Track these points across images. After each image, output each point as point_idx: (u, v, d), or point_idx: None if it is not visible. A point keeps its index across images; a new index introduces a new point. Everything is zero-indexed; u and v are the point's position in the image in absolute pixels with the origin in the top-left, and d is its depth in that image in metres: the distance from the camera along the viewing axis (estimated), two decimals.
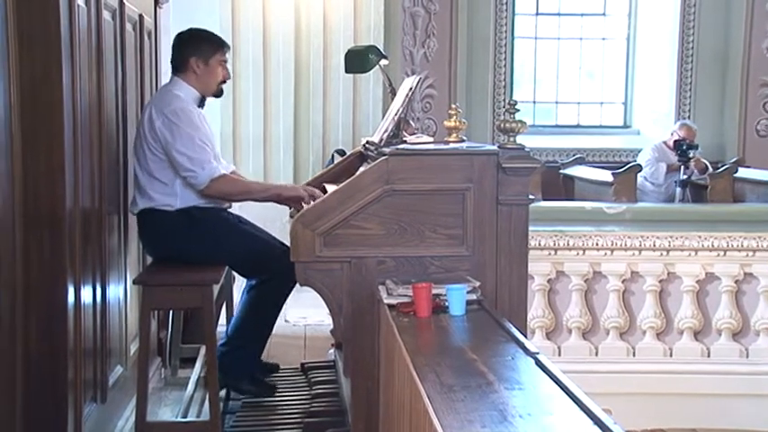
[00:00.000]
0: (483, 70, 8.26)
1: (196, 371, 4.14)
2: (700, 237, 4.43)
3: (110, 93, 3.52)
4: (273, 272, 3.60)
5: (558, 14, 9.03)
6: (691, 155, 7.17)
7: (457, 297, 2.66)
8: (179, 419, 3.71)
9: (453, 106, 3.38)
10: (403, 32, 7.38)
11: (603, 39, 9.05)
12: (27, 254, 2.79)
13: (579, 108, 9.13)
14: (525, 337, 2.50)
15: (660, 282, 4.50)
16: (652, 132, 8.55)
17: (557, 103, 9.13)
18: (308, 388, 4.03)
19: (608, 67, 9.08)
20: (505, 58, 8.41)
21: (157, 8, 4.59)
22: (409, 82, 3.69)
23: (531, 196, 3.14)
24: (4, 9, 2.60)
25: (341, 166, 4.23)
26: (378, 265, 3.04)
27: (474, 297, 2.80)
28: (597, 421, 1.71)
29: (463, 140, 3.34)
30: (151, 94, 4.35)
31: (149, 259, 3.97)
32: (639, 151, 7.96)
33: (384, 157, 3.07)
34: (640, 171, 7.19)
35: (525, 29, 8.85)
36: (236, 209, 4.04)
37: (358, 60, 4.34)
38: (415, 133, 3.84)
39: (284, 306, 3.88)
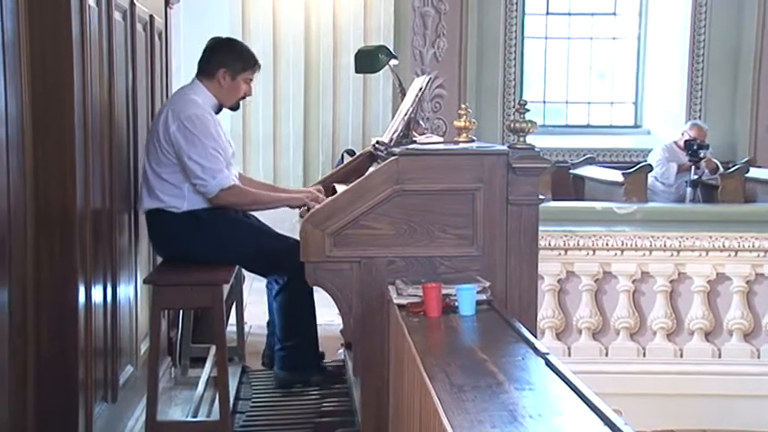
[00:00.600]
0: (493, 70, 8.25)
1: (206, 370, 4.14)
2: (711, 237, 4.42)
3: (120, 93, 3.52)
4: (289, 269, 3.60)
5: (569, 14, 9.01)
6: (701, 155, 7.15)
7: (467, 297, 2.66)
8: (189, 419, 3.72)
9: (463, 106, 3.38)
10: (413, 32, 7.37)
11: (614, 38, 9.02)
12: (38, 253, 2.80)
13: (589, 108, 9.11)
14: (535, 337, 2.49)
15: (671, 282, 4.48)
16: (663, 132, 8.53)
17: (567, 102, 9.11)
18: (317, 387, 4.03)
19: (618, 67, 9.05)
20: (515, 58, 8.40)
21: (168, 9, 4.59)
22: (419, 82, 3.69)
23: (541, 196, 3.14)
24: (16, 9, 2.61)
25: (351, 166, 4.23)
26: (388, 265, 3.04)
27: (484, 297, 2.79)
28: (608, 422, 1.71)
29: (473, 140, 3.34)
30: (161, 95, 4.36)
31: (159, 259, 3.98)
32: (650, 151, 7.93)
33: (394, 158, 3.07)
34: (651, 171, 7.17)
35: (535, 29, 8.84)
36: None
37: (368, 60, 4.34)
38: (424, 133, 3.84)
39: None
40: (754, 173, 7.35)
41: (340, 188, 3.56)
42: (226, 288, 3.56)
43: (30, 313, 2.75)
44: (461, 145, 3.25)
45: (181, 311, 4.34)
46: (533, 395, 1.91)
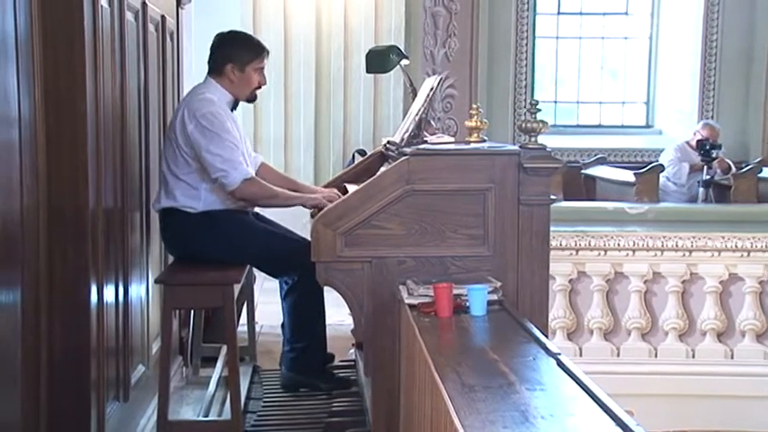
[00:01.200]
0: (504, 70, 8.24)
1: (217, 370, 4.15)
2: (723, 237, 4.40)
3: (132, 93, 3.54)
4: (299, 269, 3.60)
5: (580, 14, 8.99)
6: (714, 155, 7.12)
7: (478, 297, 2.66)
8: (200, 418, 3.72)
9: (474, 106, 3.37)
10: (424, 32, 7.37)
11: (626, 38, 9.00)
12: (50, 253, 2.81)
13: (601, 108, 9.09)
14: (546, 337, 2.49)
15: (683, 282, 4.47)
16: (675, 132, 8.50)
17: (578, 102, 9.09)
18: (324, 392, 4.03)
19: (630, 67, 9.03)
20: (527, 58, 8.39)
21: (179, 9, 4.61)
22: (430, 82, 3.68)
23: (552, 196, 3.13)
24: (29, 10, 2.62)
25: (362, 166, 4.23)
26: (399, 265, 3.03)
27: (495, 297, 2.79)
28: (619, 422, 1.70)
29: (484, 140, 3.33)
30: (173, 95, 4.37)
31: (171, 258, 3.99)
32: (662, 151, 7.91)
33: (405, 158, 3.07)
34: (663, 171, 7.14)
35: (547, 28, 8.82)
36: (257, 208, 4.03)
37: (379, 60, 4.34)
38: (435, 133, 3.83)
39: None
40: (766, 173, 7.32)
41: (351, 188, 3.56)
42: (237, 288, 3.56)
43: (42, 313, 2.76)
44: (472, 145, 3.25)
45: (192, 311, 4.36)
46: (545, 395, 1.91)
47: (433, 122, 4.32)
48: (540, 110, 3.09)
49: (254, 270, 4.18)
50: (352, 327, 3.18)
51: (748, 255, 4.41)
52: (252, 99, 3.90)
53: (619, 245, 4.42)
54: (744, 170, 7.35)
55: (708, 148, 7.13)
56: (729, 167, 7.35)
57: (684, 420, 4.39)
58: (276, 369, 4.24)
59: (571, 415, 1.80)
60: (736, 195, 7.12)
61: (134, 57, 3.55)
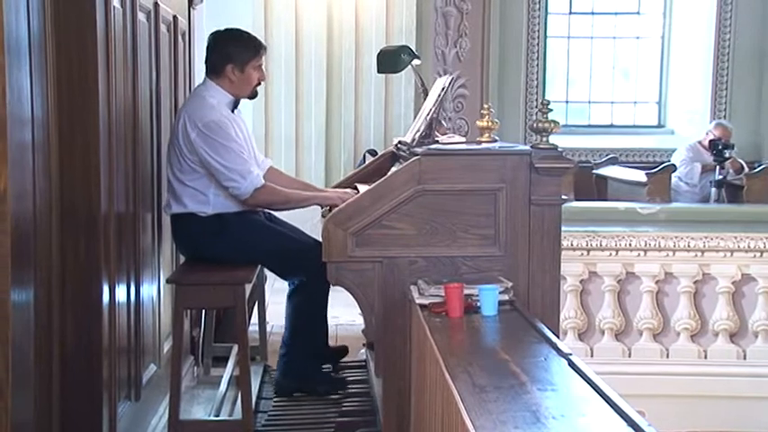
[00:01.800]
0: (515, 70, 8.23)
1: (228, 370, 4.16)
2: (735, 237, 4.39)
3: (144, 94, 3.55)
4: (308, 271, 3.59)
5: (592, 13, 8.97)
6: (726, 155, 7.09)
7: (489, 297, 2.65)
8: (212, 418, 3.73)
9: (485, 106, 3.37)
10: (435, 32, 7.35)
11: (638, 37, 8.97)
12: (63, 253, 2.83)
13: (612, 108, 9.07)
14: (558, 338, 2.48)
15: (695, 283, 4.45)
16: (687, 132, 8.47)
17: (590, 102, 9.07)
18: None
19: (642, 66, 9.00)
20: (538, 58, 8.38)
21: (191, 9, 4.62)
22: (441, 82, 3.68)
23: (563, 196, 3.13)
24: (42, 11, 2.64)
25: (373, 166, 4.23)
26: (410, 265, 3.03)
27: (506, 297, 2.79)
28: (631, 423, 1.70)
29: (495, 140, 3.33)
30: (185, 95, 4.38)
31: (182, 258, 4.00)
32: (674, 151, 7.88)
33: (416, 158, 3.07)
34: (675, 171, 7.12)
35: (558, 28, 8.81)
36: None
37: (390, 60, 4.33)
38: (446, 133, 3.83)
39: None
40: None
41: (362, 188, 3.56)
42: (248, 288, 3.57)
43: (54, 312, 2.78)
44: (484, 145, 3.24)
45: (203, 311, 4.37)
46: (556, 396, 1.90)
47: (444, 122, 4.32)
48: (551, 110, 3.09)
49: (265, 270, 4.19)
50: (363, 327, 3.19)
51: (761, 255, 4.39)
52: (253, 96, 3.88)
53: (630, 245, 4.41)
54: (756, 170, 7.32)
55: (720, 147, 7.10)
56: (742, 167, 7.32)
57: (696, 421, 4.37)
58: None
59: (582, 415, 1.80)
60: (748, 195, 7.09)
61: (146, 57, 3.56)
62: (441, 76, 5.11)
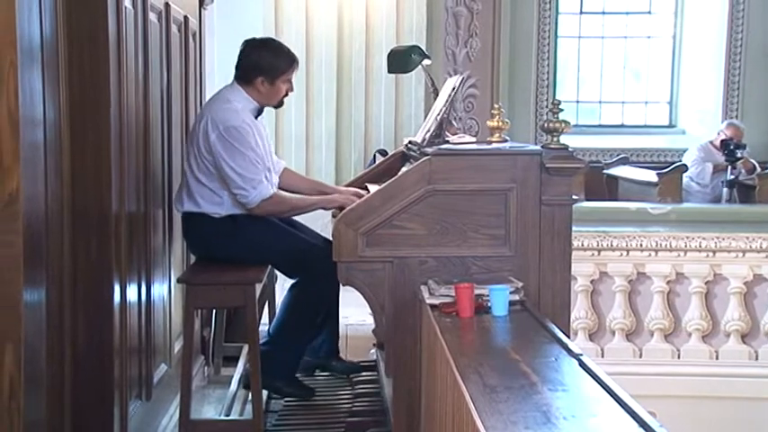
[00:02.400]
0: (526, 70, 8.21)
1: (239, 369, 4.17)
2: (747, 238, 4.37)
3: (155, 94, 3.56)
4: (317, 272, 3.59)
5: (603, 13, 8.94)
6: (738, 155, 7.06)
7: (499, 297, 2.65)
8: (222, 417, 3.74)
9: (496, 106, 3.37)
10: (445, 32, 7.36)
11: (649, 37, 8.94)
12: (75, 253, 2.84)
13: (623, 107, 9.04)
14: (568, 338, 2.48)
15: (706, 283, 4.44)
16: (698, 132, 8.43)
17: (600, 102, 9.04)
18: (349, 387, 4.04)
19: (653, 66, 8.96)
20: (548, 58, 8.36)
21: (202, 9, 4.63)
22: (452, 82, 3.68)
23: (574, 197, 3.12)
24: (54, 12, 2.65)
25: (383, 166, 4.23)
26: (420, 265, 3.03)
27: (517, 298, 2.78)
28: (642, 424, 1.70)
29: (506, 140, 3.32)
30: (195, 96, 4.39)
31: (193, 258, 4.01)
32: (685, 151, 7.85)
33: (427, 158, 3.07)
34: (686, 171, 7.10)
35: (569, 28, 8.78)
36: None
37: (400, 60, 4.33)
38: (457, 133, 3.83)
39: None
40: None
41: (372, 188, 3.57)
42: (258, 287, 3.58)
43: (66, 312, 2.79)
44: (494, 145, 3.24)
45: (214, 310, 4.38)
46: (567, 396, 1.90)
47: (454, 122, 4.32)
48: (562, 110, 3.08)
49: (276, 270, 4.19)
50: (374, 327, 3.19)
51: None
52: (278, 106, 3.89)
53: (641, 245, 4.40)
54: None
55: (732, 147, 7.07)
56: (754, 167, 7.29)
57: (708, 422, 4.36)
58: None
59: (594, 416, 1.79)
60: (760, 196, 7.05)
61: (157, 57, 3.57)
62: (451, 76, 5.11)
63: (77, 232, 2.84)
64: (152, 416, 3.54)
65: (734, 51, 8.33)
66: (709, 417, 4.36)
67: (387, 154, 5.60)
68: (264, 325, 4.24)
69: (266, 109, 3.88)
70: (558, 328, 2.51)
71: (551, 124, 3.06)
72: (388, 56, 4.44)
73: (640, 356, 4.47)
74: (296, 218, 3.97)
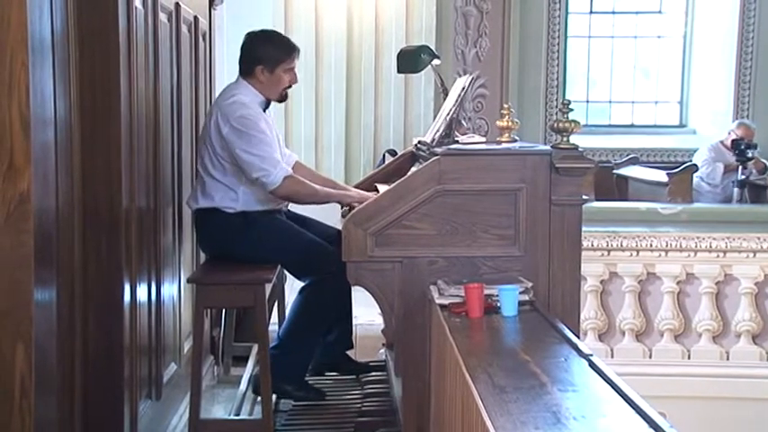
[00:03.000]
0: (535, 70, 8.20)
1: (248, 369, 4.18)
2: (758, 238, 4.35)
3: (165, 94, 3.57)
4: (327, 275, 3.58)
5: (613, 13, 8.92)
6: (749, 155, 7.04)
7: (509, 298, 2.65)
8: (232, 417, 3.75)
9: (505, 106, 3.36)
10: (455, 32, 7.35)
11: (659, 37, 8.91)
12: (85, 252, 2.85)
13: (633, 107, 9.01)
14: (578, 338, 2.47)
15: (717, 284, 4.42)
16: (709, 132, 8.40)
17: (610, 102, 9.02)
18: (359, 387, 4.04)
19: (664, 66, 8.94)
20: (558, 58, 8.34)
21: (212, 9, 4.64)
22: (462, 82, 3.67)
23: (584, 197, 3.11)
24: (65, 12, 2.66)
25: (392, 166, 4.23)
26: (429, 265, 3.03)
27: (526, 298, 2.78)
28: (653, 425, 1.69)
29: (515, 140, 3.32)
30: (205, 95, 4.40)
31: (203, 258, 4.02)
32: (695, 151, 7.83)
33: (436, 158, 3.07)
34: (696, 171, 7.07)
35: (579, 28, 8.77)
36: (291, 205, 4.04)
37: (410, 60, 4.33)
38: (466, 133, 3.82)
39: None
40: None
41: (382, 188, 3.57)
42: (268, 287, 3.58)
43: (77, 311, 2.80)
44: (504, 145, 3.23)
45: (224, 310, 4.38)
46: (577, 397, 1.90)
47: (464, 122, 4.31)
48: (571, 109, 3.08)
49: (285, 270, 4.19)
50: (383, 327, 3.19)
51: None
52: (282, 99, 3.89)
53: (651, 245, 4.39)
54: None
55: (743, 147, 7.04)
56: (765, 167, 7.26)
57: (718, 423, 4.35)
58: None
59: (603, 416, 1.79)
60: None
61: (167, 57, 3.58)
62: (461, 76, 5.11)
63: (88, 232, 2.85)
64: (162, 415, 3.55)
65: (745, 51, 8.29)
66: (720, 417, 4.35)
67: (396, 154, 5.59)
68: (274, 325, 4.25)
69: (274, 108, 3.89)
70: (568, 328, 2.51)
71: (561, 124, 3.06)
72: (398, 56, 4.44)
73: (650, 357, 4.46)
74: (307, 215, 3.96)
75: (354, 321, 5.40)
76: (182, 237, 3.91)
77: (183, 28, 3.86)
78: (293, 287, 5.35)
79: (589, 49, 8.89)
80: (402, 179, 3.14)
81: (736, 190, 7.08)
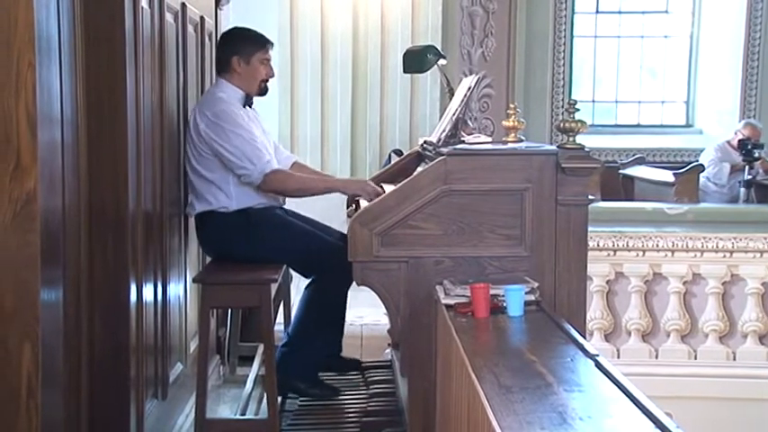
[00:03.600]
0: (542, 69, 8.19)
1: (254, 369, 4.18)
2: (765, 238, 4.35)
3: (171, 94, 3.57)
4: (333, 270, 3.59)
5: (619, 12, 8.91)
6: (756, 154, 7.03)
7: (515, 298, 2.65)
8: (238, 417, 3.75)
9: (511, 106, 3.36)
10: (461, 32, 7.35)
11: (666, 36, 8.90)
12: (91, 253, 2.85)
13: (640, 107, 9.01)
14: (584, 338, 2.47)
15: (723, 284, 4.41)
16: (715, 132, 8.39)
17: (617, 102, 9.02)
18: (365, 387, 4.04)
19: (670, 66, 8.93)
20: (564, 57, 8.34)
21: (218, 10, 4.64)
22: (468, 82, 3.67)
23: (590, 197, 3.11)
24: (72, 12, 2.66)
25: (398, 166, 4.23)
26: (435, 265, 3.03)
27: (532, 298, 2.78)
28: (659, 425, 1.69)
29: (521, 140, 3.31)
30: None
31: (208, 258, 4.02)
32: (702, 151, 7.81)
33: (442, 158, 3.07)
34: (703, 171, 7.06)
35: (585, 27, 8.76)
36: (293, 206, 4.05)
37: (416, 60, 4.33)
38: (472, 133, 3.82)
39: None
40: None
41: (388, 188, 3.57)
42: (274, 287, 3.58)
43: (83, 311, 2.80)
44: (510, 145, 3.23)
45: (229, 310, 4.39)
46: (583, 397, 1.89)
47: (470, 122, 4.31)
48: (578, 109, 3.07)
49: (291, 270, 4.20)
50: (389, 327, 3.19)
51: None
52: (262, 92, 3.89)
53: (657, 246, 4.38)
54: None
55: (749, 147, 7.03)
56: None
57: (724, 423, 4.34)
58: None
59: (609, 416, 1.79)
60: None
61: (173, 57, 3.59)
62: (467, 75, 5.11)
63: (94, 232, 2.85)
64: (168, 415, 3.56)
65: (752, 51, 8.27)
66: (726, 418, 4.34)
67: (402, 154, 5.60)
68: (279, 324, 4.25)
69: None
70: (574, 328, 2.50)
71: (567, 124, 3.05)
72: (404, 56, 4.44)
73: (656, 357, 4.46)
74: (312, 216, 3.97)
75: (360, 321, 5.42)
76: (188, 236, 3.92)
77: (190, 28, 3.86)
78: (299, 287, 5.36)
79: (595, 49, 8.89)
80: (408, 179, 3.14)
81: (742, 190, 7.07)
